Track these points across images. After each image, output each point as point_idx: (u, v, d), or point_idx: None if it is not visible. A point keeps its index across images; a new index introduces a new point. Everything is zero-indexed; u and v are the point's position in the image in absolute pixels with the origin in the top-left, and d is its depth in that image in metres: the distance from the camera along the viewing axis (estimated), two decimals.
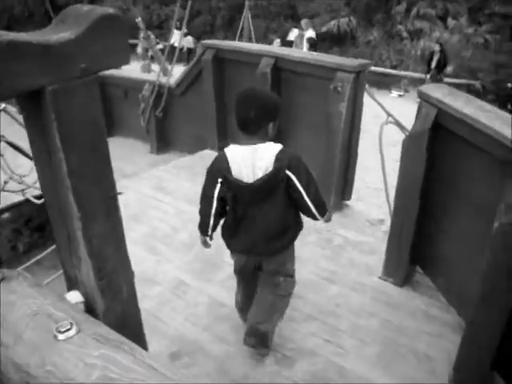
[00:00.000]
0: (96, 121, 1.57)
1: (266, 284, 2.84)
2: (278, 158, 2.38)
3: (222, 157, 2.47)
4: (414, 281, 3.56)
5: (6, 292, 1.30)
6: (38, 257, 4.09)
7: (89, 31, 1.43)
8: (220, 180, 2.48)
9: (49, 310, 1.26)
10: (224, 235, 2.77)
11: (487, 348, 2.52)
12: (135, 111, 6.97)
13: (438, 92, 3.10)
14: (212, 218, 2.63)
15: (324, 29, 16.18)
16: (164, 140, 7.06)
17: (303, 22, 14.03)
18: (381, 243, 3.85)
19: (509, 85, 11.84)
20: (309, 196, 2.47)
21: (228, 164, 2.43)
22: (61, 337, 1.09)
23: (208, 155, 5.83)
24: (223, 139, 5.89)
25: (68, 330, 1.12)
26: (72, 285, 1.86)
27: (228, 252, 3.80)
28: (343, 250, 3.92)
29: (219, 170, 2.47)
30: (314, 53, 6.65)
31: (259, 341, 2.79)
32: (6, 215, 5.24)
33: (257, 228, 2.58)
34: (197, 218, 4.32)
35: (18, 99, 1.50)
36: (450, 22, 15.38)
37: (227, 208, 2.65)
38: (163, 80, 6.52)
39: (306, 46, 13.47)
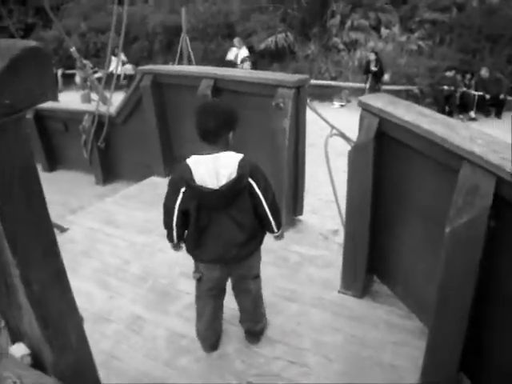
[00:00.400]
0: (27, 162, 1.47)
1: (239, 291, 3.00)
2: (241, 166, 2.49)
3: (184, 166, 2.50)
4: (373, 291, 3.55)
5: None
6: None
7: (11, 67, 1.34)
8: (183, 190, 2.52)
9: None
10: (189, 247, 2.78)
11: (452, 351, 2.52)
12: (77, 143, 6.79)
13: (379, 101, 3.12)
14: (175, 228, 2.68)
15: (262, 46, 16.29)
16: (109, 170, 6.90)
17: (235, 40, 14.20)
18: (336, 256, 3.83)
19: (444, 87, 12.20)
20: (266, 202, 2.61)
21: (191, 173, 2.47)
22: None
23: (155, 182, 5.73)
24: (169, 165, 5.81)
25: None
26: (16, 336, 1.74)
27: (183, 281, 3.72)
28: (300, 267, 3.88)
29: (182, 178, 2.50)
30: (253, 71, 6.67)
31: (259, 337, 3.15)
32: None
33: (225, 234, 2.63)
34: (149, 250, 4.25)
35: None
36: (384, 31, 15.76)
37: (190, 220, 2.64)
38: (103, 109, 6.37)
39: (248, 64, 13.58)
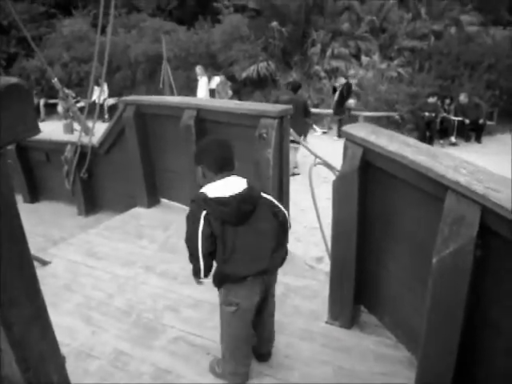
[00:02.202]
0: (7, 198, 1.44)
1: (267, 312, 3.01)
2: (248, 181, 2.69)
3: (200, 193, 2.60)
4: (361, 321, 3.51)
5: None
6: None
7: None
8: (203, 214, 2.53)
9: None
10: (219, 270, 2.70)
11: (442, 381, 2.49)
12: (59, 174, 6.72)
13: (362, 131, 3.13)
14: (201, 259, 2.61)
15: (244, 74, 16.47)
16: (91, 201, 6.83)
17: (197, 68, 14.29)
18: (323, 286, 3.80)
19: (425, 113, 12.37)
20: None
21: (205, 193, 2.58)
22: None
23: (139, 213, 5.68)
24: (153, 195, 5.77)
25: None
26: None
27: (167, 315, 3.66)
28: (286, 298, 3.83)
29: (199, 202, 2.57)
30: (237, 101, 6.70)
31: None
32: None
33: (255, 246, 2.66)
34: (133, 283, 4.18)
35: None
36: (364, 59, 16.04)
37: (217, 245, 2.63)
38: (85, 140, 6.33)
39: (229, 92, 13.71)
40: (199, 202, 2.56)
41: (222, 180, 2.64)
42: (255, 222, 2.62)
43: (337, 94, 13.44)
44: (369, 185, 3.12)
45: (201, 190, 2.62)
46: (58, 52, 19.42)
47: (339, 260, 3.37)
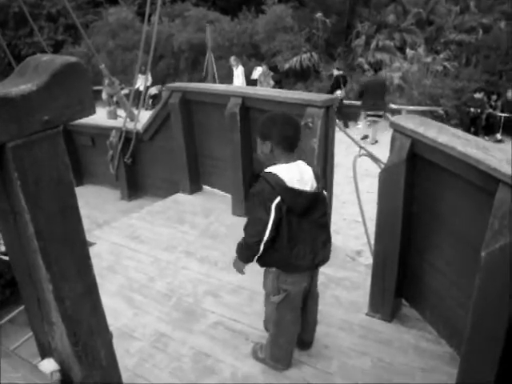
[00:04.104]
0: (63, 176, 1.47)
1: (312, 299, 3.01)
2: (315, 173, 2.66)
3: (271, 175, 2.49)
4: (401, 315, 3.47)
5: None
6: (10, 315, 3.90)
7: (51, 82, 1.34)
8: (276, 201, 2.47)
9: None
10: (282, 258, 2.63)
11: (485, 377, 2.44)
12: (103, 158, 6.85)
13: (411, 122, 3.08)
14: (263, 245, 2.55)
15: (287, 65, 16.41)
16: (135, 186, 6.93)
17: (232, 59, 14.32)
18: (364, 278, 3.77)
19: (471, 109, 12.09)
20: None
21: (280, 177, 2.48)
22: None
23: (181, 199, 5.74)
24: (196, 182, 5.82)
25: None
26: (45, 351, 1.72)
27: (207, 300, 3.70)
28: (327, 288, 3.81)
29: (277, 183, 2.47)
30: (282, 90, 6.68)
31: None
32: None
33: (314, 239, 2.65)
34: (173, 267, 4.23)
35: None
36: (409, 52, 15.76)
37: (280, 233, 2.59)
38: (130, 126, 6.42)
39: (271, 82, 13.70)
40: (273, 186, 2.46)
41: (293, 164, 2.56)
42: (314, 213, 2.61)
43: (332, 81, 13.46)
44: (415, 177, 3.08)
45: (270, 170, 2.51)
46: (104, 40, 19.74)
47: (382, 252, 3.33)
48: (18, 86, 1.31)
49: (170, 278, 4.08)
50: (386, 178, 3.14)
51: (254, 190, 2.54)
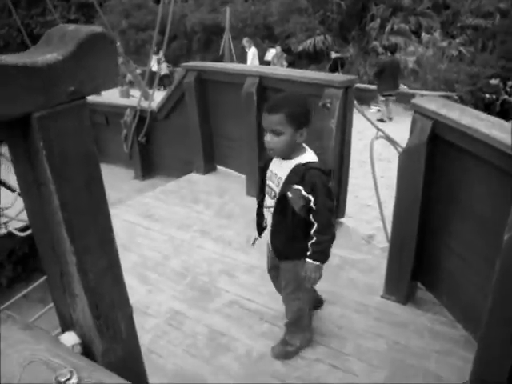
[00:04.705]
0: (88, 148, 1.45)
1: None
2: None
3: (320, 163, 2.53)
4: (417, 298, 3.46)
5: None
6: (25, 291, 3.93)
7: (77, 51, 1.32)
8: None
9: (44, 357, 1.13)
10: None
11: (502, 363, 2.43)
12: (117, 137, 6.84)
13: (432, 104, 3.03)
14: None
15: (300, 47, 16.30)
16: (148, 165, 6.93)
17: (244, 40, 14.26)
18: (380, 261, 3.75)
19: (487, 95, 11.97)
20: None
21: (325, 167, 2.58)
22: None
23: (195, 179, 5.74)
24: (210, 161, 5.80)
25: (68, 379, 0.99)
26: (66, 325, 1.72)
27: (222, 279, 3.71)
28: (341, 270, 3.80)
29: (328, 171, 2.59)
30: (300, 70, 6.61)
31: None
32: None
33: None
34: (188, 246, 4.23)
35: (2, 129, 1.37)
36: (424, 36, 15.59)
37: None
38: (144, 104, 6.40)
39: (284, 64, 13.63)
40: (328, 174, 2.49)
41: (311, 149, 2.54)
42: None
43: (330, 63, 13.62)
44: (436, 159, 3.04)
45: (315, 160, 2.48)
46: (117, 19, 19.69)
47: (399, 235, 3.31)
48: (44, 55, 1.29)
49: (185, 257, 4.09)
50: (406, 159, 3.10)
51: (322, 180, 2.42)
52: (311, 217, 2.47)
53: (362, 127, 4.91)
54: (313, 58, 16.41)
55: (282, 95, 2.63)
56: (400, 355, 2.96)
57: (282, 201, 2.49)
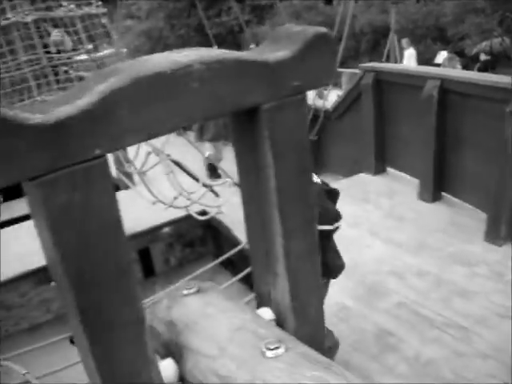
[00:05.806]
0: (303, 139, 1.56)
1: None
2: None
3: None
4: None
5: (204, 304, 1.31)
6: (199, 271, 4.22)
7: (304, 49, 1.43)
8: None
9: (251, 326, 1.25)
10: None
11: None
12: None
13: None
14: None
15: (474, 50, 15.46)
16: (317, 163, 7.05)
17: (403, 41, 13.72)
18: None
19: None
20: None
21: None
22: (269, 354, 1.06)
23: (364, 179, 5.74)
24: (381, 163, 5.77)
25: (277, 348, 1.08)
26: (263, 302, 1.85)
27: (391, 280, 3.70)
28: None
29: None
30: (483, 73, 6.32)
31: None
32: (166, 229, 5.55)
33: None
34: (357, 244, 4.26)
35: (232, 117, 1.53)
36: None
37: None
38: (319, 103, 6.55)
39: (458, 67, 13.07)
40: None
41: None
42: None
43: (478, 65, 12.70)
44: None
45: None
46: (287, 20, 20.12)
47: None
48: (275, 52, 1.42)
49: (354, 255, 4.12)
50: None
51: None
52: None
53: None
54: (488, 62, 15.47)
55: None
56: None
57: None
